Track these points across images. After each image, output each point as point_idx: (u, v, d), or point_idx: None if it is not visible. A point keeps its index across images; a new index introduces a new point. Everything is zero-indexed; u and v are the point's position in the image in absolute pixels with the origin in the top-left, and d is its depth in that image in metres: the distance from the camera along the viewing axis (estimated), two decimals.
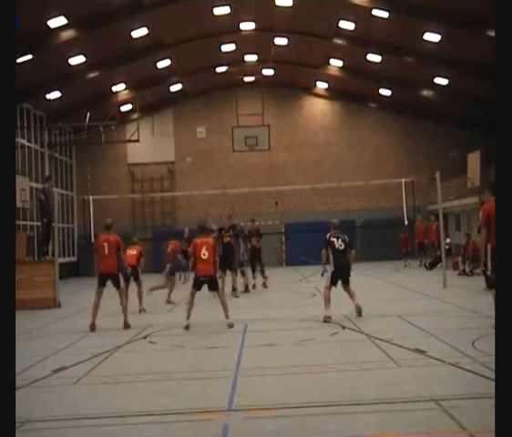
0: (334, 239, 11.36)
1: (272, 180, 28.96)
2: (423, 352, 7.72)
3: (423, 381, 6.38)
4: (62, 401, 6.39)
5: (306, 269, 18.37)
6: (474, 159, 25.09)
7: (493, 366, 5.88)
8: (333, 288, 11.19)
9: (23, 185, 21.58)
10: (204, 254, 10.77)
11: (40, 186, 20.58)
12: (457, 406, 5.38)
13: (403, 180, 17.10)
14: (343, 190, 28.47)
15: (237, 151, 25.42)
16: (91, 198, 17.74)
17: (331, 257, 11.24)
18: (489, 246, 8.43)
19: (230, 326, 10.61)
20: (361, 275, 22.41)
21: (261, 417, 5.52)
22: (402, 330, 9.62)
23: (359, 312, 11.09)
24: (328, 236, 11.49)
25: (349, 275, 11.32)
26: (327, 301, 10.95)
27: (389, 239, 27.61)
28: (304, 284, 19.52)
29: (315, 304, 13.02)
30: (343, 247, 11.30)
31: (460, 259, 20.50)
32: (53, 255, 16.92)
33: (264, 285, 18.20)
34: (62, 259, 24.04)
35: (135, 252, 13.97)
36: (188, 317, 10.66)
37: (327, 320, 10.75)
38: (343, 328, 10.08)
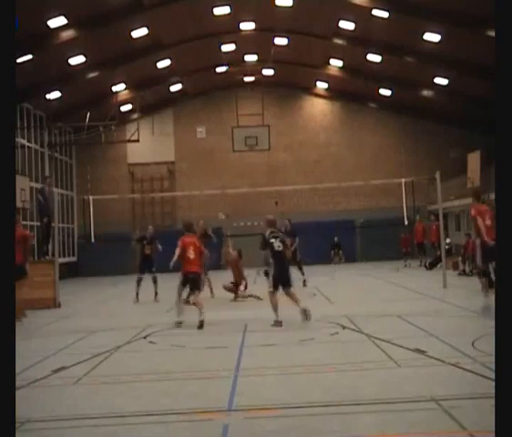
0: (274, 240, 10.75)
1: (272, 180, 28.94)
2: (423, 352, 7.71)
3: (423, 381, 6.37)
4: (62, 401, 6.39)
5: (306, 268, 18.39)
6: (474, 159, 25.09)
7: (493, 366, 5.88)
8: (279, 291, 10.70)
9: (23, 185, 21.61)
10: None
11: (40, 186, 20.59)
12: (457, 406, 5.37)
13: (403, 180, 17.10)
14: (343, 190, 28.51)
15: (237, 151, 25.42)
16: (91, 198, 17.72)
17: (271, 259, 10.78)
18: None
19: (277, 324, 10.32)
20: (361, 275, 22.49)
21: (261, 417, 5.51)
22: (402, 330, 9.61)
23: (306, 316, 10.37)
24: (267, 236, 10.81)
25: (289, 278, 10.78)
26: (276, 307, 10.56)
27: (389, 239, 27.59)
28: None
29: (315, 304, 13.00)
30: (281, 248, 10.71)
31: (460, 259, 20.50)
32: (53, 255, 16.93)
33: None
34: (62, 259, 24.02)
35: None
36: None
37: (278, 324, 10.42)
38: (343, 328, 10.06)
